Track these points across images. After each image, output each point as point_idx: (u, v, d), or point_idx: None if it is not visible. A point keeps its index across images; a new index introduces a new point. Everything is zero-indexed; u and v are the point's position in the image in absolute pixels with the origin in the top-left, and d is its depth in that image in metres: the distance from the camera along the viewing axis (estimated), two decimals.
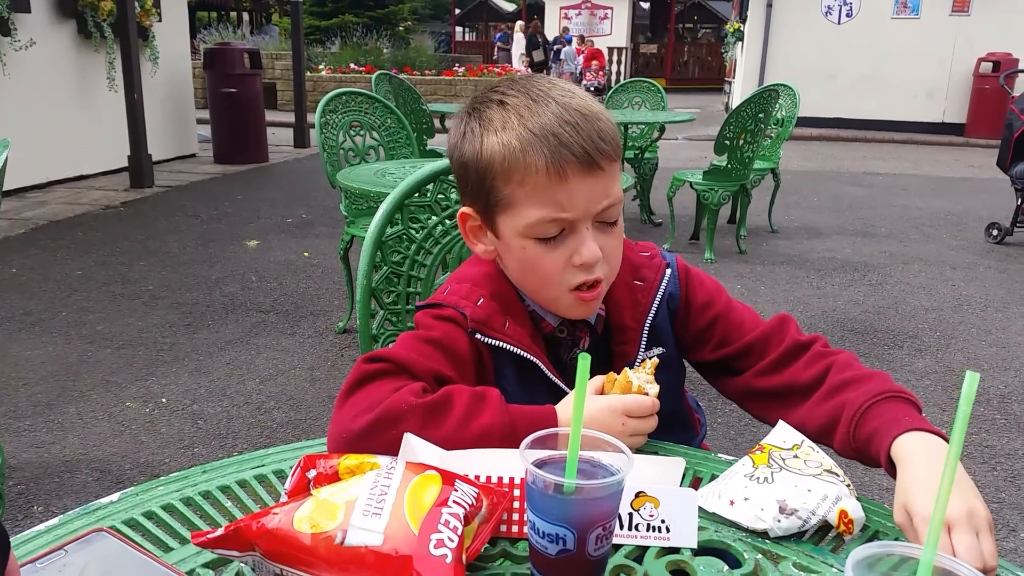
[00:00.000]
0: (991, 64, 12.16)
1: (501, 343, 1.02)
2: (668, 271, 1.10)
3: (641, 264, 1.10)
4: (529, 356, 1.02)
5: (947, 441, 0.86)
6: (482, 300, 1.03)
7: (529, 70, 19.71)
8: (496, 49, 24.46)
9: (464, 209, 1.04)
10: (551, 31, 22.95)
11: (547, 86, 0.97)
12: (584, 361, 0.72)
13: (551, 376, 1.04)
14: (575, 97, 0.96)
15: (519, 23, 21.86)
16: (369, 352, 1.01)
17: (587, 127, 0.93)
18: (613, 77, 21.47)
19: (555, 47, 20.35)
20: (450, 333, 1.02)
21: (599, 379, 0.98)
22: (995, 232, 5.95)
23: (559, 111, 0.93)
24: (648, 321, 1.07)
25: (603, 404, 0.93)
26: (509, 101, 0.96)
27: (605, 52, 21.12)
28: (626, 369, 0.96)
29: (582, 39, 21.07)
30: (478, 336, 1.01)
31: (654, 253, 1.13)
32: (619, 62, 23.18)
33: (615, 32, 24.22)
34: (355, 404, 0.94)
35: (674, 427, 1.07)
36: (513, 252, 1.01)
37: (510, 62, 21.71)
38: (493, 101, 0.98)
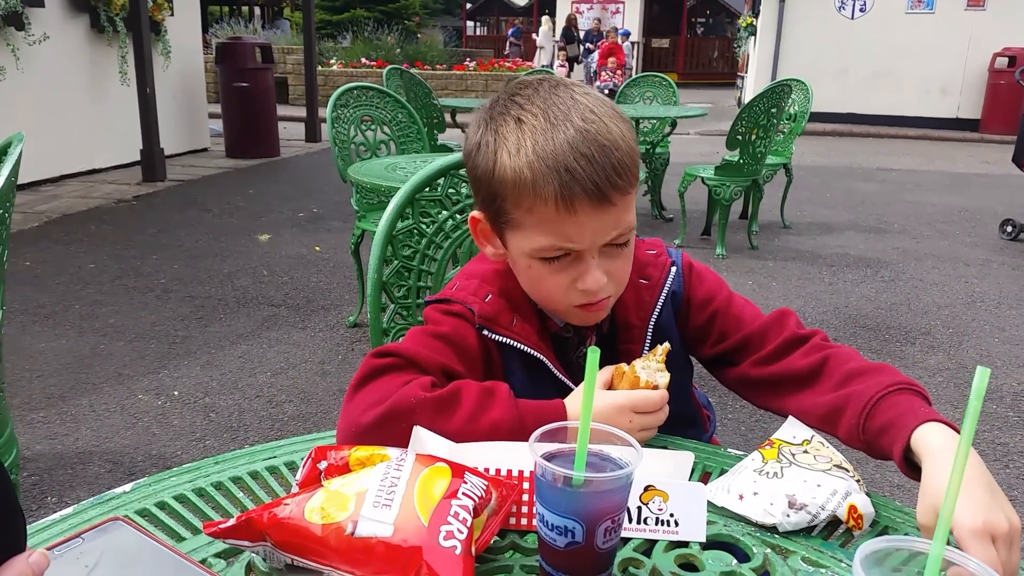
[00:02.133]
0: (1007, 59, 12.05)
1: (509, 340, 1.02)
2: (673, 269, 1.10)
3: (647, 262, 1.10)
4: (536, 354, 1.03)
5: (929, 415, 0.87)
6: (490, 297, 1.04)
7: (566, 65, 19.50)
8: (508, 44, 24.40)
9: (475, 213, 1.04)
10: (562, 26, 22.83)
11: (568, 105, 0.92)
12: (593, 355, 0.72)
13: (558, 374, 1.04)
14: (595, 121, 0.91)
15: (545, 16, 21.58)
16: (378, 347, 1.02)
17: (602, 160, 0.89)
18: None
19: (586, 44, 19.57)
20: (459, 329, 1.02)
21: (607, 371, 0.98)
22: (1009, 229, 5.90)
23: (575, 140, 0.89)
24: (653, 319, 1.08)
25: (610, 402, 0.93)
26: (526, 120, 0.93)
27: (627, 46, 18.82)
28: (634, 363, 0.96)
29: (601, 32, 18.66)
30: (486, 332, 1.02)
31: (660, 251, 1.12)
32: (631, 56, 23.07)
33: (627, 26, 24.13)
34: (364, 398, 0.94)
35: (681, 425, 1.07)
36: (519, 266, 1.01)
37: (522, 56, 21.61)
38: (511, 116, 0.94)
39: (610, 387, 0.97)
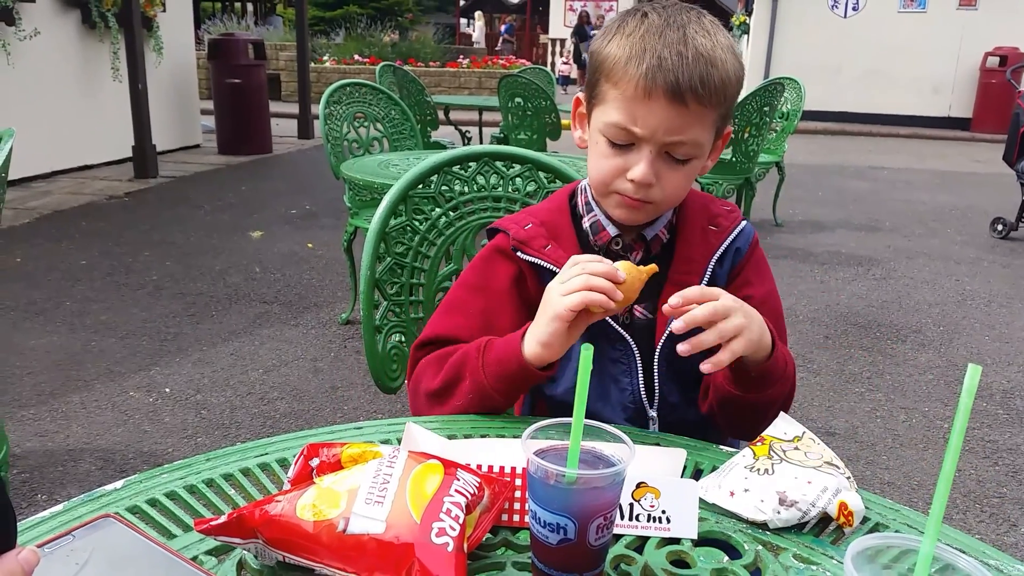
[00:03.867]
0: (998, 58, 12.11)
1: (538, 260, 1.10)
2: (743, 223, 1.15)
3: (719, 214, 1.15)
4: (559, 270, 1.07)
5: (777, 348, 1.01)
6: (530, 225, 1.13)
7: (571, 64, 19.46)
8: (500, 40, 24.39)
9: (580, 94, 1.13)
10: (556, 22, 22.79)
11: (693, 21, 1.01)
12: (587, 352, 0.72)
13: None
14: (707, 39, 1.00)
15: (478, 12, 21.65)
16: (418, 339, 1.14)
17: (695, 66, 0.97)
18: None
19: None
20: (487, 268, 1.14)
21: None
22: (1000, 227, 5.93)
23: (679, 42, 0.98)
24: (715, 257, 1.11)
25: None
26: (650, 17, 1.02)
27: None
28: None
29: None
30: (519, 254, 1.11)
31: (734, 208, 1.18)
32: None
33: None
34: (420, 396, 1.09)
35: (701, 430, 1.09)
36: (591, 143, 1.09)
37: (515, 53, 21.59)
38: (640, 11, 1.04)
39: None
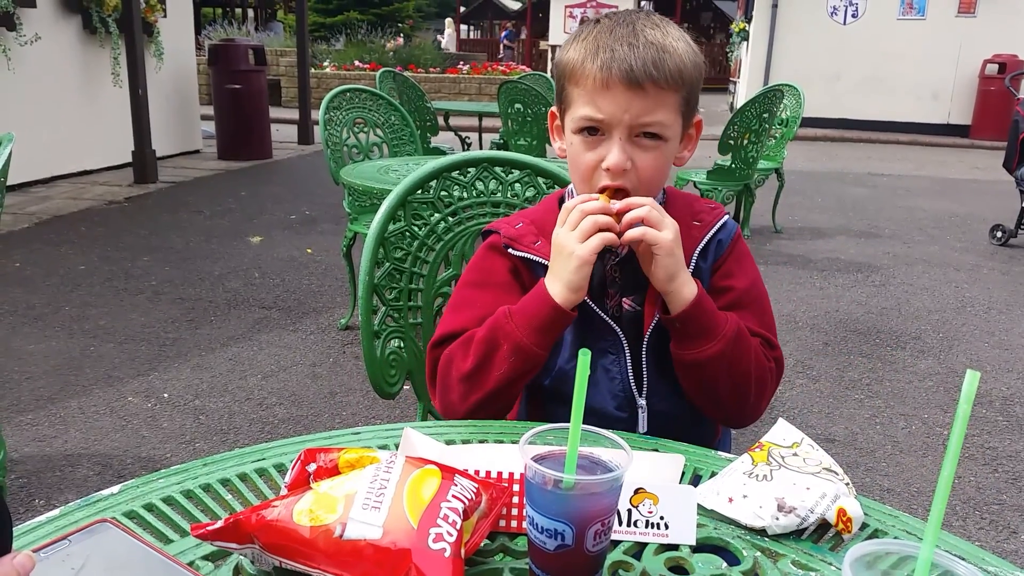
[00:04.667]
0: (997, 66, 12.13)
1: (528, 254, 1.15)
2: (725, 217, 1.20)
3: (702, 210, 1.21)
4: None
5: (704, 301, 1.08)
6: (521, 224, 1.19)
7: None
8: (501, 47, 24.44)
9: (552, 109, 1.20)
10: (556, 28, 22.83)
11: (640, 16, 1.10)
12: (584, 357, 0.72)
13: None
14: (658, 30, 1.08)
15: (449, 19, 21.76)
16: (432, 337, 1.19)
17: (646, 53, 1.05)
18: None
19: None
20: (485, 264, 1.20)
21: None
22: (999, 234, 5.94)
23: (628, 35, 1.06)
24: (698, 250, 1.15)
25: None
26: (602, 22, 1.11)
27: None
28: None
29: None
30: (510, 251, 1.17)
31: (717, 206, 1.23)
32: None
33: None
34: (452, 385, 1.12)
35: (690, 424, 1.16)
36: (568, 147, 1.15)
37: (515, 59, 21.65)
38: (593, 20, 1.13)
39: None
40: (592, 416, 0.96)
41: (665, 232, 1.04)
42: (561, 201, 1.22)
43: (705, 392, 1.12)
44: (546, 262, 1.11)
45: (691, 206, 1.20)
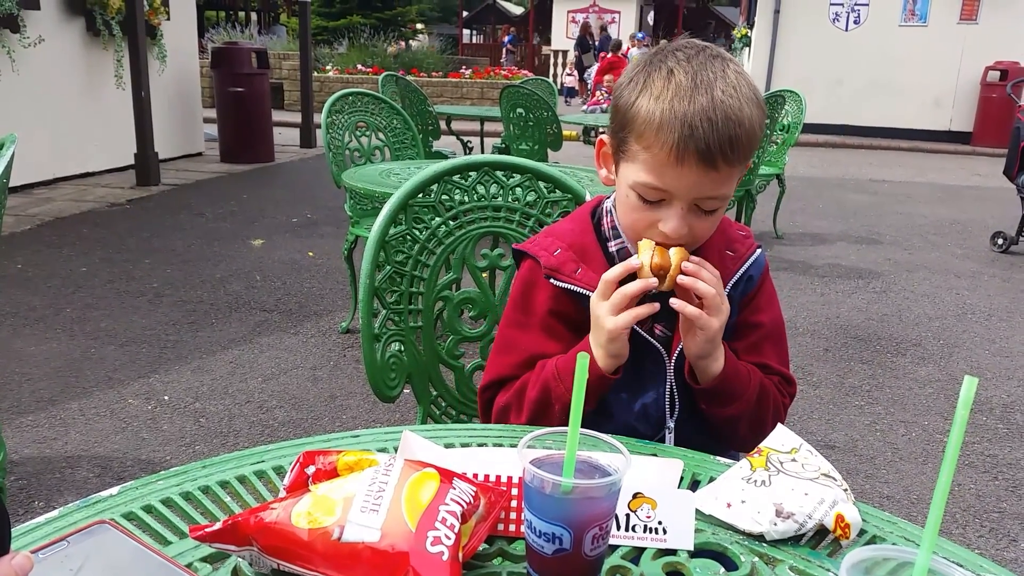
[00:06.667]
0: (998, 72, 12.14)
1: (571, 286, 1.14)
2: (758, 251, 1.20)
3: (736, 239, 1.20)
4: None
5: (728, 371, 1.10)
6: (559, 251, 1.17)
7: (575, 74, 19.48)
8: (504, 52, 24.46)
9: (604, 136, 1.17)
10: (558, 33, 22.85)
11: (717, 75, 1.03)
12: (583, 360, 0.72)
13: None
14: (732, 97, 1.02)
15: (420, 24, 21.73)
16: (482, 380, 1.24)
17: (723, 130, 1.00)
18: None
19: (600, 53, 18.69)
20: (526, 303, 1.20)
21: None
22: (1000, 241, 5.94)
23: (707, 107, 1.00)
24: (729, 285, 1.15)
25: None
26: (676, 75, 1.03)
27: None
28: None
29: (618, 45, 15.70)
30: (552, 281, 1.15)
31: (748, 234, 1.23)
32: None
33: (621, 36, 24.22)
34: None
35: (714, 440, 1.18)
36: (620, 192, 1.14)
37: (517, 64, 21.65)
38: (666, 67, 1.05)
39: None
40: (624, 431, 1.07)
41: (717, 319, 1.05)
42: (592, 214, 1.21)
43: (724, 430, 1.17)
44: (589, 292, 1.11)
45: (725, 232, 1.19)
